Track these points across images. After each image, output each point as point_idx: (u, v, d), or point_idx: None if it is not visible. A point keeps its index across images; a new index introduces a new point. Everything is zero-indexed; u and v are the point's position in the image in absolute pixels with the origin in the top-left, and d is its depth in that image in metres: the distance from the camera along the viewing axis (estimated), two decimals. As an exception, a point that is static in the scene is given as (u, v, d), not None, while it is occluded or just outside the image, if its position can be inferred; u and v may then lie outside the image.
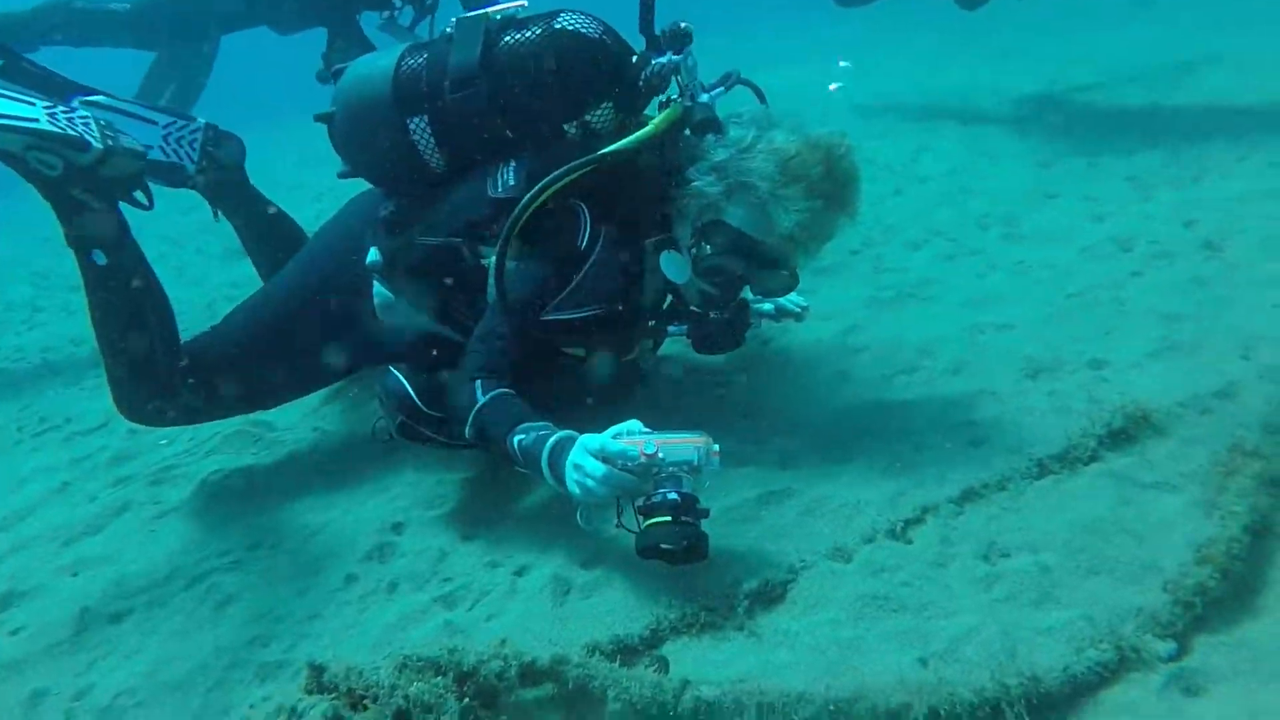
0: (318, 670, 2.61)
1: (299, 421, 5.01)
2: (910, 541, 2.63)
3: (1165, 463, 2.68)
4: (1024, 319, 4.26)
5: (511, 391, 3.32)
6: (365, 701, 2.49)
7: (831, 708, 2.20)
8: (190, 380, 4.04)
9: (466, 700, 2.36)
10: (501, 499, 3.76)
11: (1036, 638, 2.17)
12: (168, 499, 4.33)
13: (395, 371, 3.25)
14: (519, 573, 3.25)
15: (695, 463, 2.52)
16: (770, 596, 2.76)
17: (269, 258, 5.03)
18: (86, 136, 3.48)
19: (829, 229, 2.87)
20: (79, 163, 3.49)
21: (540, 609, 2.99)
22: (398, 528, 3.71)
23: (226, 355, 4.17)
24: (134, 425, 5.24)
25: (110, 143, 3.58)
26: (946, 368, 3.96)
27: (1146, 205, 4.94)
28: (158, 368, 3.96)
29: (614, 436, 2.54)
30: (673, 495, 2.49)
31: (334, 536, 3.75)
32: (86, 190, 3.58)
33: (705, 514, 2.59)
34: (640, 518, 2.56)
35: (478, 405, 3.27)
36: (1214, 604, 2.07)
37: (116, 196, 3.74)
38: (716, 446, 2.55)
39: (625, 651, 2.66)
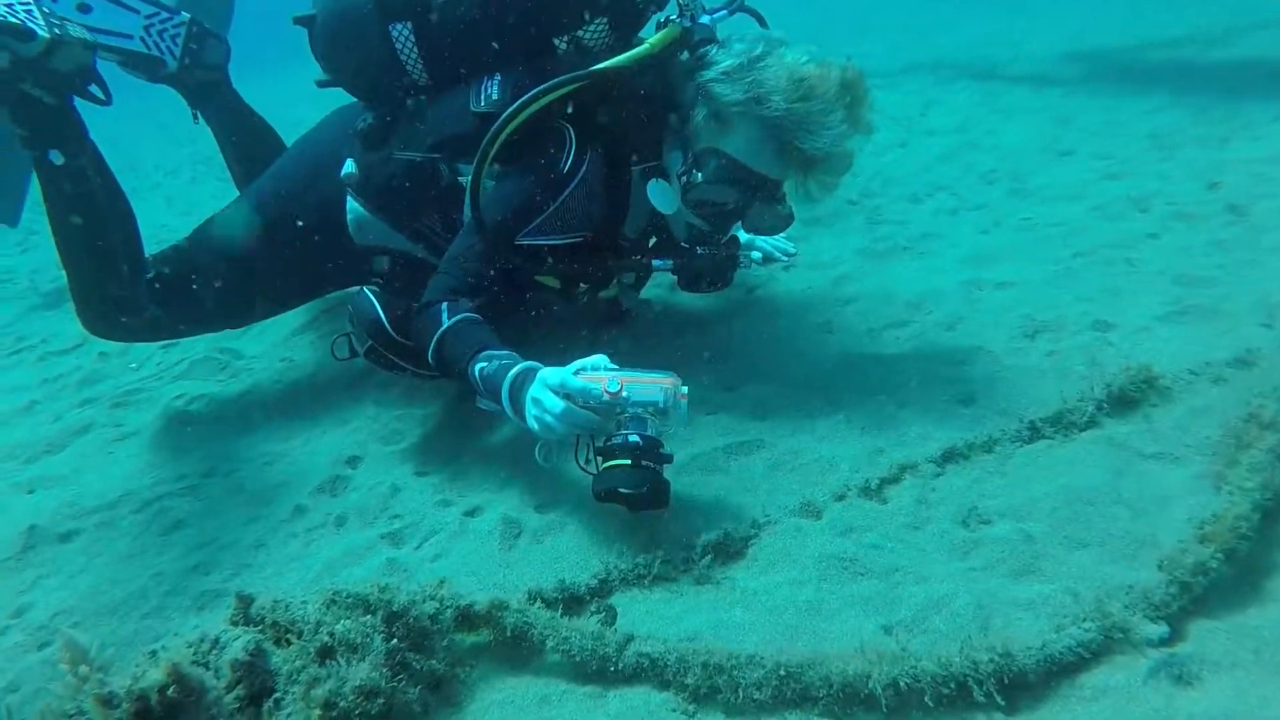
0: (245, 601, 2.45)
1: (267, 351, 4.84)
2: (885, 501, 2.44)
3: (1170, 432, 2.48)
4: (1026, 277, 4.03)
5: (478, 317, 3.11)
6: (290, 636, 2.33)
7: (783, 673, 2.02)
8: (158, 291, 3.85)
9: (395, 641, 2.18)
10: (462, 436, 3.58)
11: (1014, 611, 1.99)
12: (130, 422, 4.25)
13: (368, 292, 3.09)
14: (471, 513, 3.07)
15: (661, 404, 2.37)
16: (730, 551, 2.57)
17: (246, 167, 4.80)
18: (30, 24, 3.24)
19: (846, 154, 2.62)
20: (25, 54, 3.26)
21: (487, 551, 2.81)
22: (353, 461, 3.55)
23: (196, 268, 3.96)
24: (105, 348, 5.20)
25: (58, 32, 3.33)
26: (939, 322, 3.74)
27: (1167, 165, 4.69)
28: (120, 279, 3.75)
29: (577, 372, 2.41)
30: (634, 438, 2.36)
31: (289, 467, 3.60)
32: (37, 84, 3.36)
33: (668, 460, 2.49)
34: (599, 459, 2.44)
35: (441, 329, 3.06)
36: (1215, 586, 1.86)
37: (69, 90, 3.51)
38: (685, 389, 2.42)
39: (571, 600, 2.49)
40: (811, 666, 2.03)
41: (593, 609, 2.35)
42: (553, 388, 2.40)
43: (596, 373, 2.42)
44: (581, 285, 3.50)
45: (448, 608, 2.38)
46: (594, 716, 2.10)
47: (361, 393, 4.07)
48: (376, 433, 3.71)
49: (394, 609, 2.24)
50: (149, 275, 3.83)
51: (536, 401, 2.44)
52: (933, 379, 3.31)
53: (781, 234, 3.92)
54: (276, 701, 2.16)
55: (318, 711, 2.10)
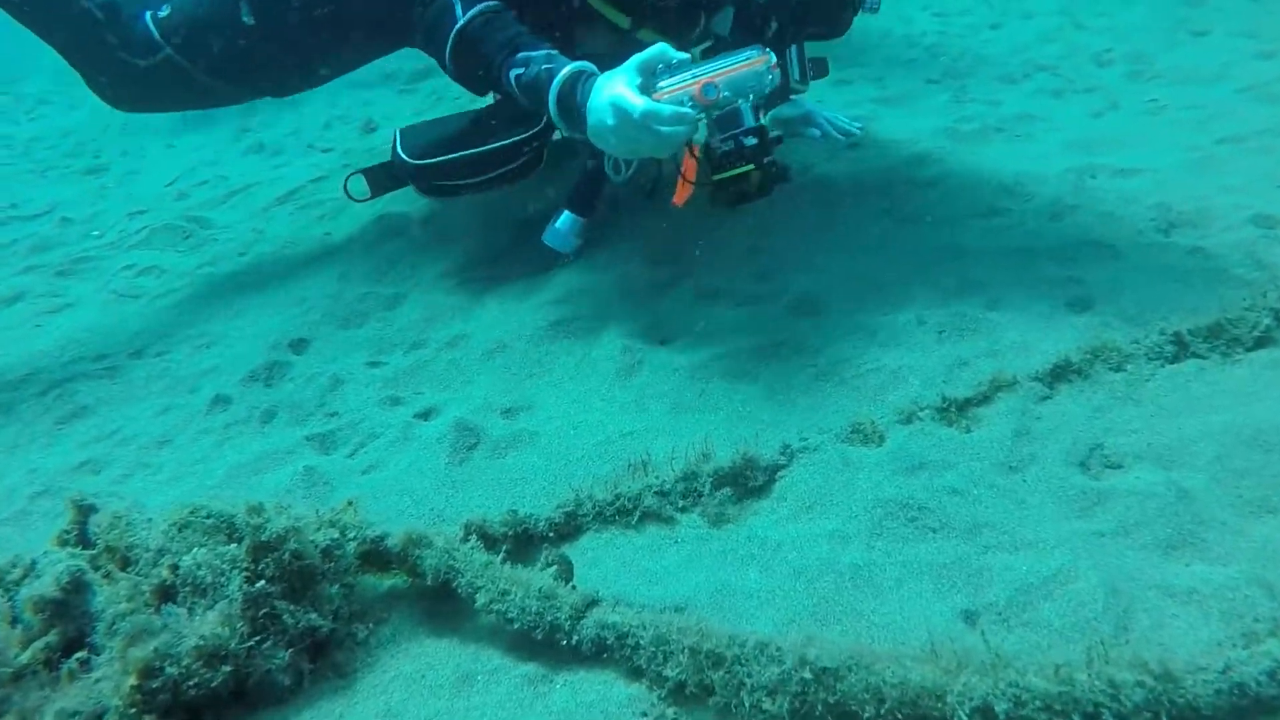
0: (83, 512, 1.82)
1: (240, 221, 4.22)
2: (969, 429, 1.72)
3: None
4: (1155, 163, 3.19)
5: (500, 6, 2.46)
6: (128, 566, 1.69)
7: (809, 674, 1.32)
8: (165, 26, 3.10)
9: (262, 584, 1.51)
10: (433, 320, 2.90)
11: (1167, 604, 1.27)
12: (69, 293, 3.72)
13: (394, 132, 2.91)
14: (423, 415, 2.41)
15: (763, 87, 2.06)
16: (750, 485, 1.87)
17: None
18: None
19: None
20: None
21: (431, 465, 2.14)
22: (299, 345, 2.91)
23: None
24: (70, 213, 4.78)
25: None
26: (1042, 211, 2.93)
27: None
28: (99, 23, 3.06)
29: (641, 69, 2.01)
30: (750, 140, 2.06)
31: (226, 350, 2.98)
32: None
33: (778, 141, 2.25)
34: (710, 167, 2.13)
35: (457, 25, 2.43)
36: None
37: None
38: (774, 58, 2.07)
39: (523, 539, 1.81)
40: (853, 669, 1.32)
41: (544, 558, 1.65)
42: (632, 94, 1.96)
43: (674, 73, 2.02)
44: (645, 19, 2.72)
45: (350, 540, 1.71)
46: (527, 712, 1.42)
47: (327, 267, 3.41)
48: (333, 313, 3.05)
49: (265, 538, 1.57)
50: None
51: (617, 109, 1.97)
52: (1034, 278, 2.53)
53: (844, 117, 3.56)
54: (83, 661, 1.52)
55: (132, 680, 1.45)
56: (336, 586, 1.66)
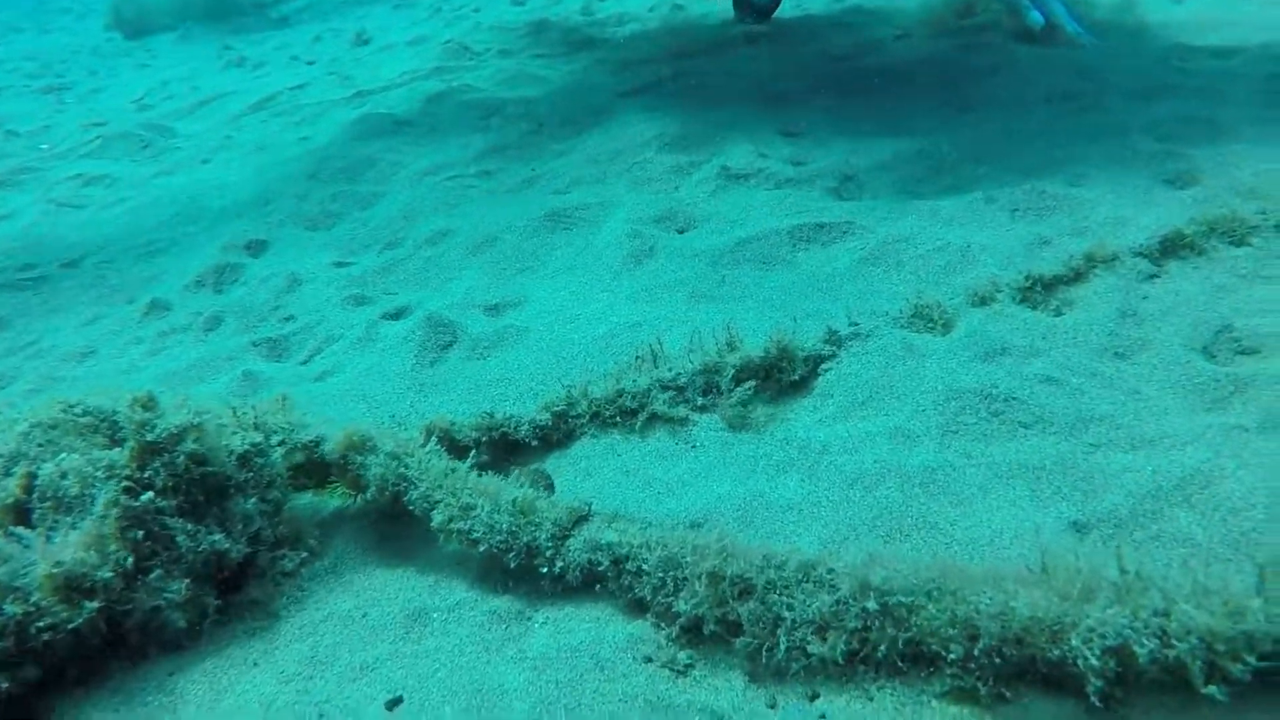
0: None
1: (207, 129, 3.85)
2: (1061, 311, 1.30)
3: None
4: (1251, 40, 2.73)
5: None
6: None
7: (871, 606, 0.93)
8: None
9: (148, 496, 1.15)
10: (414, 219, 2.51)
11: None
12: (8, 203, 3.32)
13: None
14: (394, 315, 2.02)
15: None
16: (786, 378, 1.47)
17: None
18: None
19: None
20: None
21: (398, 366, 1.77)
22: (255, 246, 2.53)
23: None
24: (15, 129, 4.55)
25: None
26: (1126, 91, 2.52)
27: None
28: None
29: None
30: None
31: (174, 255, 2.62)
32: None
33: None
34: None
35: None
36: None
37: None
38: None
39: (502, 447, 1.43)
40: (935, 596, 0.94)
41: (516, 475, 1.27)
42: None
43: None
44: None
45: (276, 445, 1.34)
46: (495, 658, 1.05)
47: (299, 168, 3.02)
48: (299, 214, 2.67)
49: (154, 438, 1.20)
50: None
51: None
52: (1125, 154, 2.14)
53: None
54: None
55: (-34, 616, 1.09)
56: (254, 501, 1.29)
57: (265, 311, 2.15)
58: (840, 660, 0.97)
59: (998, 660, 0.92)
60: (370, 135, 3.17)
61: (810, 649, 0.99)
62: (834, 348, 1.55)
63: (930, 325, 1.57)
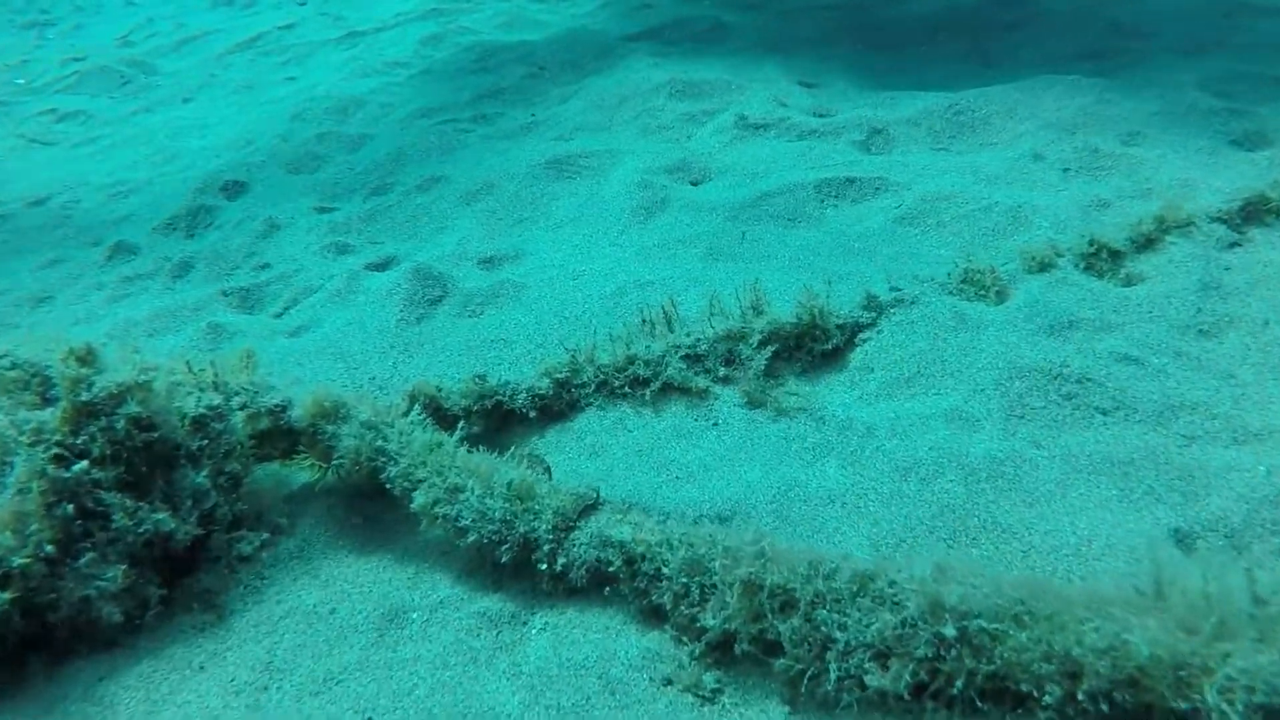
0: None
1: (190, 67, 3.61)
2: (1130, 282, 1.11)
3: None
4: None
5: None
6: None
7: (947, 632, 0.75)
8: None
9: (82, 466, 0.96)
10: (404, 164, 2.30)
11: None
12: None
13: None
14: (379, 266, 1.83)
15: None
16: (817, 349, 1.29)
17: None
18: None
19: None
20: None
21: (381, 322, 1.58)
22: (233, 189, 2.32)
23: None
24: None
25: None
26: (1177, 47, 2.34)
27: None
28: None
29: None
30: None
31: (148, 197, 2.41)
32: None
33: None
34: None
35: None
36: None
37: None
38: None
39: (496, 417, 1.25)
40: (1023, 619, 0.77)
41: (512, 454, 1.09)
42: None
43: None
44: None
45: (237, 408, 1.15)
46: (485, 671, 0.88)
47: (283, 107, 2.80)
48: (281, 155, 2.46)
49: (91, 397, 1.01)
50: None
51: None
52: (1183, 110, 1.93)
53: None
54: None
55: None
56: (204, 473, 1.10)
57: (239, 259, 1.96)
58: (905, 694, 0.80)
59: (1105, 708, 0.75)
60: (363, 75, 2.95)
61: (868, 679, 0.81)
62: (874, 315, 1.37)
63: (981, 292, 1.38)
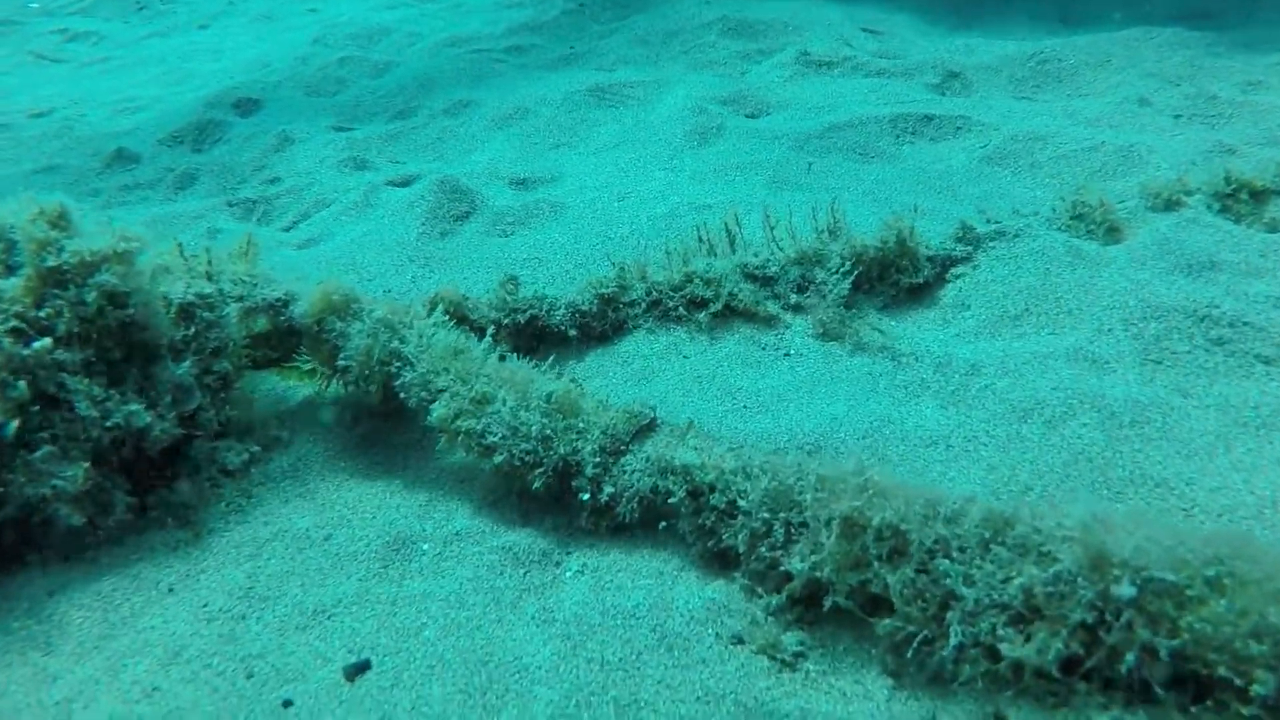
0: None
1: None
2: (1275, 228, 0.88)
3: None
4: None
5: None
6: None
7: (1127, 592, 0.56)
8: None
9: (44, 343, 0.79)
10: (431, 89, 2.13)
11: None
12: None
13: None
14: (401, 182, 1.65)
15: None
16: (902, 278, 1.11)
17: None
18: None
19: None
20: None
21: (400, 235, 1.41)
22: (245, 105, 2.16)
23: None
24: None
25: None
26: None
27: None
28: None
29: None
30: None
31: (155, 114, 2.25)
32: None
33: None
34: None
35: None
36: None
37: None
38: None
39: (530, 335, 1.07)
40: (1219, 582, 0.58)
41: (545, 366, 0.91)
42: None
43: None
44: None
45: (232, 297, 0.98)
46: (510, 614, 0.69)
47: (303, 33, 2.63)
48: (299, 76, 2.29)
49: (60, 263, 0.86)
50: None
51: None
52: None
53: None
54: None
55: None
56: (188, 366, 0.93)
57: (247, 172, 1.79)
58: (1052, 671, 0.62)
59: (1333, 698, 0.57)
60: (385, 8, 2.78)
61: (1003, 648, 0.64)
62: (969, 248, 1.19)
63: (1091, 230, 1.20)
